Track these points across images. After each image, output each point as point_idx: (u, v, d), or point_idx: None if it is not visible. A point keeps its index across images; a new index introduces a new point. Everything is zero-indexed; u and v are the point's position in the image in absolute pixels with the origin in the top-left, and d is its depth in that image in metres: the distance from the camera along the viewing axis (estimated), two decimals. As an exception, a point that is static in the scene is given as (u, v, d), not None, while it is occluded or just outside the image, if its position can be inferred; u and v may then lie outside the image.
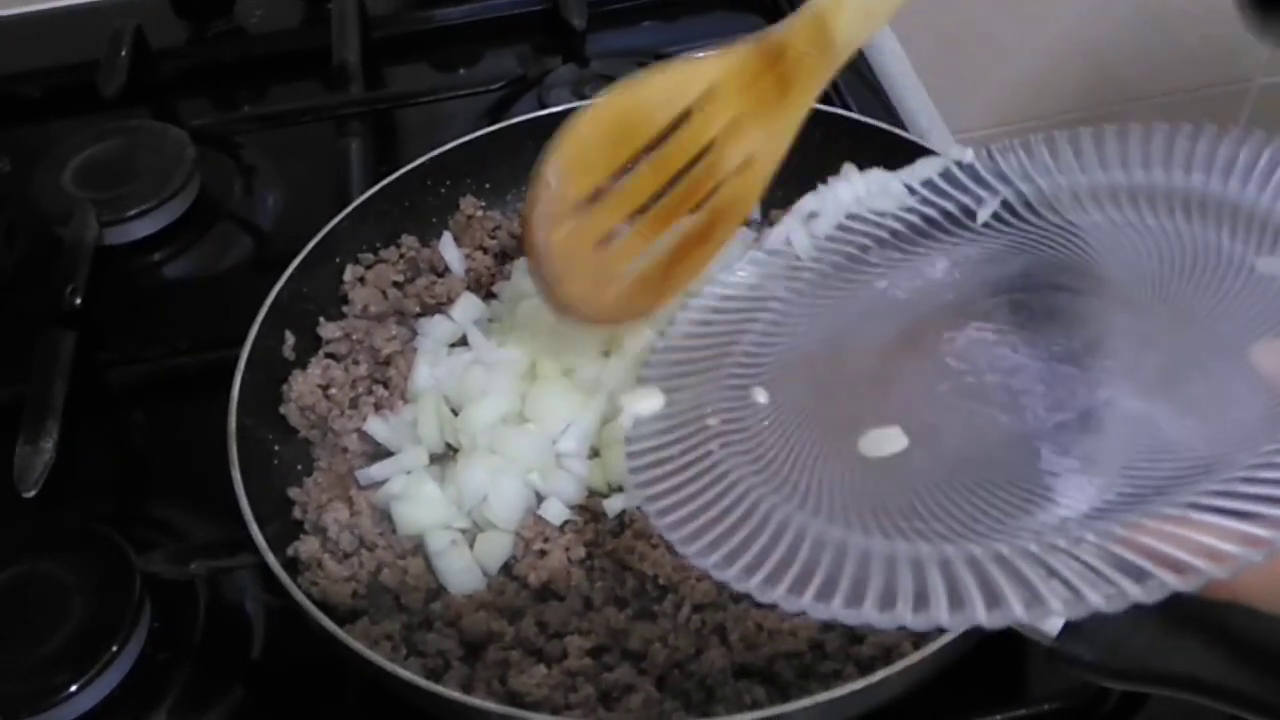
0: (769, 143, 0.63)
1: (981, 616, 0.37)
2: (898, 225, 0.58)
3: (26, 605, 0.66)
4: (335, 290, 0.79)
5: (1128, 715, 0.62)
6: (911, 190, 0.58)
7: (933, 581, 0.39)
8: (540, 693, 0.60)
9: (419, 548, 0.68)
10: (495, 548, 0.67)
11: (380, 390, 0.75)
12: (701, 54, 0.61)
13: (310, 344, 0.76)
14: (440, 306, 0.79)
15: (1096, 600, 0.36)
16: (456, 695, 0.57)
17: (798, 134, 0.63)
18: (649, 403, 0.53)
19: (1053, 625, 0.40)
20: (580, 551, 0.67)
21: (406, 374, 0.75)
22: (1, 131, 1.06)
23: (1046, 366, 0.49)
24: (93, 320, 0.83)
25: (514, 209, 0.85)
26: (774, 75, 0.61)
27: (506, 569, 0.67)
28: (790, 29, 0.61)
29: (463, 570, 0.66)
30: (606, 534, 0.67)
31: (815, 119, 0.64)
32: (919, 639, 0.56)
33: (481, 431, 0.70)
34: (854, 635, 0.61)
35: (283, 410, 0.73)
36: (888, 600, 0.39)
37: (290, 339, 0.75)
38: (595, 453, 0.70)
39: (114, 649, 0.64)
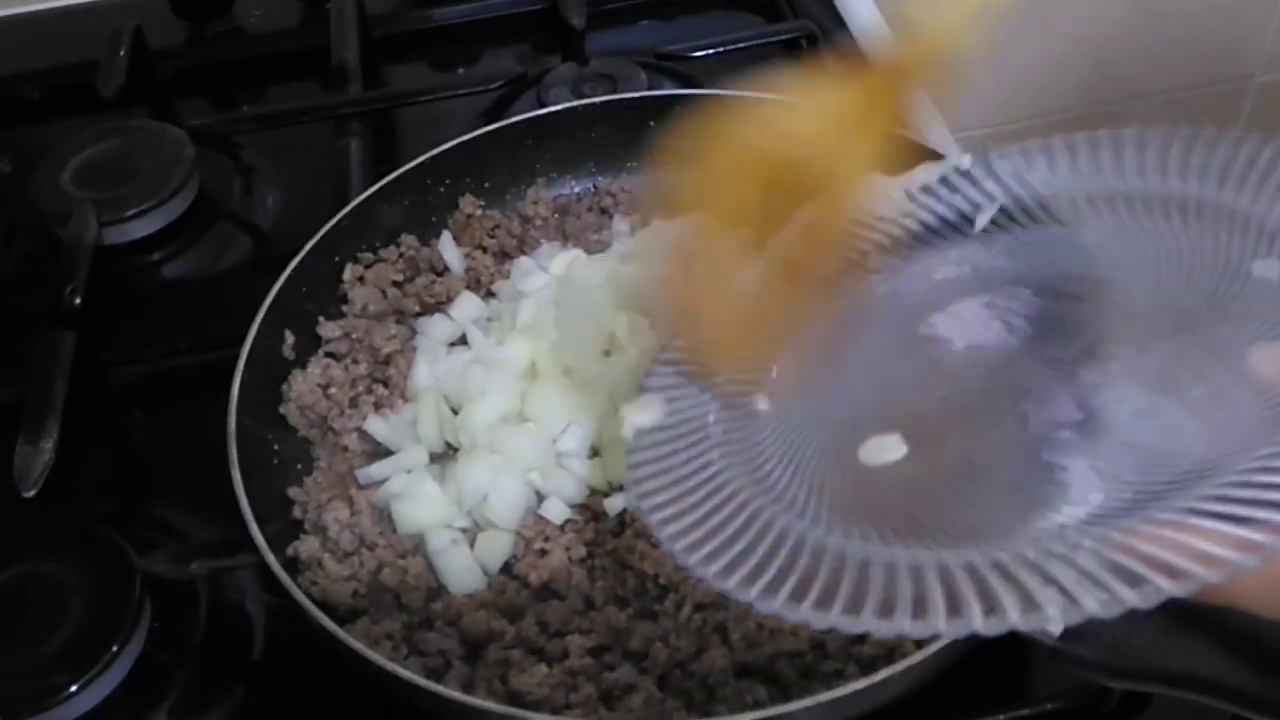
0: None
1: (979, 624, 0.37)
2: (897, 231, 0.57)
3: (26, 605, 0.66)
4: (335, 289, 0.79)
5: (1130, 715, 0.62)
6: (911, 196, 0.58)
7: (931, 588, 0.39)
8: (541, 692, 0.60)
9: (419, 547, 0.68)
10: (496, 547, 0.67)
11: (380, 389, 0.75)
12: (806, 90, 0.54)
13: (310, 343, 0.76)
14: (440, 306, 0.79)
15: (1092, 606, 0.36)
16: (457, 695, 0.57)
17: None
18: (650, 413, 0.53)
19: (1054, 626, 0.40)
20: (581, 551, 0.67)
21: (406, 373, 0.75)
22: (1, 131, 1.06)
23: (1046, 372, 0.49)
24: (92, 320, 0.83)
25: (513, 208, 0.85)
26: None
27: (507, 568, 0.67)
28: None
29: (463, 569, 0.66)
30: (607, 533, 0.67)
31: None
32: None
33: (481, 431, 0.70)
34: (856, 635, 0.61)
35: (282, 410, 0.73)
36: (886, 608, 0.39)
37: (290, 338, 0.75)
38: (595, 452, 0.70)
39: (114, 649, 0.64)
